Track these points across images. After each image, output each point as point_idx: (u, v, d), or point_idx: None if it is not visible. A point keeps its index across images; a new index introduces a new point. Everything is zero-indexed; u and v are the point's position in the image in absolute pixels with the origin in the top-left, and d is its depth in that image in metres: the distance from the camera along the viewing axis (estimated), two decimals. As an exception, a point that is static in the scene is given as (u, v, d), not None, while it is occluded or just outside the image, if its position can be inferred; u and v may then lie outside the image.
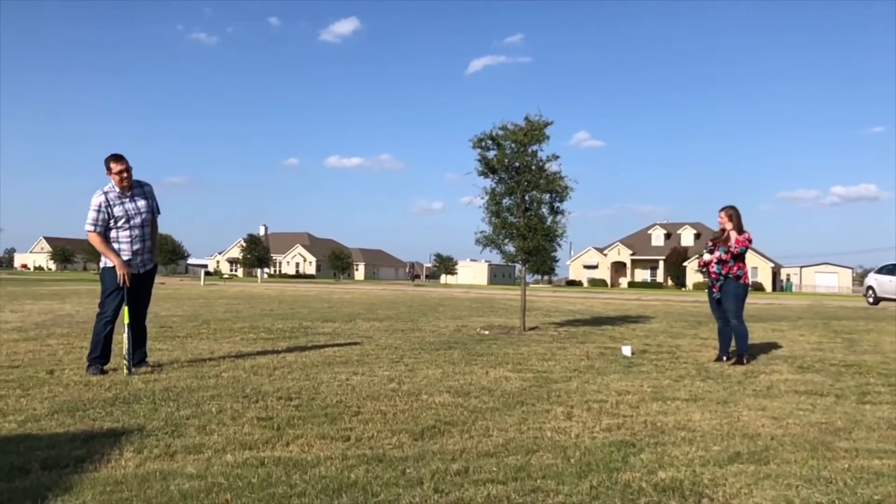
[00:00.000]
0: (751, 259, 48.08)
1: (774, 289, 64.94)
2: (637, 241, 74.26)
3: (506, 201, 9.84)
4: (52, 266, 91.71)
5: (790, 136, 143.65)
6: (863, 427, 3.99)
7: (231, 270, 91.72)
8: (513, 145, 9.69)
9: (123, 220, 5.51)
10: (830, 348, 8.22)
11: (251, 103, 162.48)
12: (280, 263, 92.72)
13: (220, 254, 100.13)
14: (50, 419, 3.78)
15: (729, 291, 6.85)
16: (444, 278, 79.21)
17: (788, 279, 71.56)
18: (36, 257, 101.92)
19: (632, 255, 72.67)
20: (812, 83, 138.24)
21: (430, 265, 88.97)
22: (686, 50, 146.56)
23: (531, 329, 10.14)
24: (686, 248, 66.79)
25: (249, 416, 3.91)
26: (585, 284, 70.71)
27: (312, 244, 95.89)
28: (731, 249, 6.76)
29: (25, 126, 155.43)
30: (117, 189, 5.49)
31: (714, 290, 6.96)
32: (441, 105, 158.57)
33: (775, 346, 8.40)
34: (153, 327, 7.39)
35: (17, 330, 8.57)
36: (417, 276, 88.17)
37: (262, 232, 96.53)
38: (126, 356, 5.37)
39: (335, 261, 78.27)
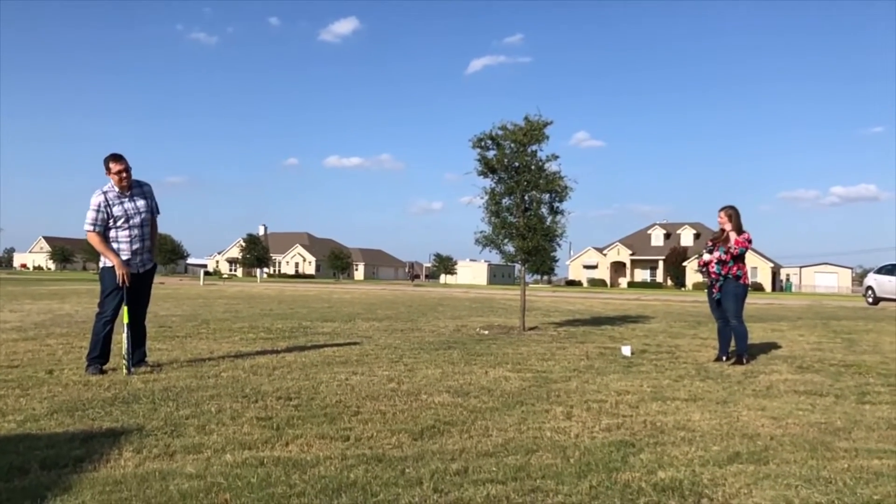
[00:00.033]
0: (750, 259, 48.11)
1: (774, 289, 64.97)
2: (637, 241, 74.28)
3: (505, 201, 9.84)
4: (52, 266, 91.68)
5: (790, 136, 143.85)
6: (862, 427, 3.99)
7: (230, 270, 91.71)
8: (512, 145, 9.69)
9: (123, 219, 5.51)
10: (830, 348, 8.22)
11: (251, 103, 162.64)
12: (279, 263, 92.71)
13: (219, 254, 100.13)
14: (49, 419, 3.78)
15: (729, 291, 6.85)
16: (443, 278, 79.22)
17: (788, 279, 71.60)
18: (35, 257, 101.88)
19: (631, 255, 72.69)
20: (812, 83, 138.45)
21: (429, 265, 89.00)
22: (686, 50, 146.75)
23: (531, 329, 10.14)
24: (686, 248, 66.83)
25: (249, 416, 3.91)
26: (585, 284, 70.72)
27: (312, 244, 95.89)
28: (731, 251, 6.76)
29: (25, 125, 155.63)
30: (116, 189, 5.49)
31: (714, 290, 6.96)
32: (441, 105, 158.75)
33: (775, 346, 8.41)
34: (152, 327, 7.39)
35: (16, 330, 8.57)
36: (417, 276, 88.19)
37: (261, 232, 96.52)
38: (125, 356, 5.37)
39: (335, 261, 78.27)
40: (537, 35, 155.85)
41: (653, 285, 66.97)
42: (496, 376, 5.58)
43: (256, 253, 74.73)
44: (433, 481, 2.81)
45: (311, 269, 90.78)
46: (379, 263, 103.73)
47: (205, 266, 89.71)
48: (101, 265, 5.67)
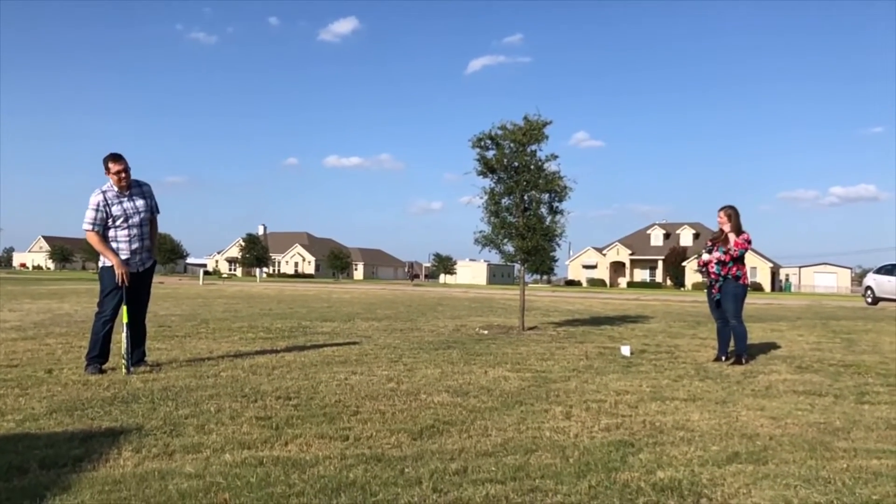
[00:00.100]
0: (750, 259, 48.07)
1: (773, 289, 65.00)
2: (636, 241, 74.30)
3: (505, 201, 9.84)
4: (51, 265, 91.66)
5: (790, 136, 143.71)
6: (861, 427, 3.99)
7: (230, 270, 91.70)
8: (512, 145, 9.69)
9: (122, 219, 5.50)
10: (829, 348, 8.22)
11: (250, 103, 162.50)
12: (279, 263, 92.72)
13: (218, 253, 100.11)
14: (48, 418, 3.78)
15: (728, 292, 6.85)
16: (443, 278, 79.22)
17: (787, 279, 71.62)
18: (34, 256, 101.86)
19: (631, 255, 72.71)
20: (812, 83, 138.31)
21: (429, 265, 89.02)
22: (686, 50, 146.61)
23: (530, 329, 10.14)
24: (685, 248, 66.85)
25: (248, 416, 3.91)
26: (584, 284, 70.74)
27: (311, 244, 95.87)
28: (731, 252, 6.77)
29: (25, 124, 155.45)
30: (116, 188, 5.49)
31: (713, 290, 6.96)
32: (440, 105, 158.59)
33: (774, 346, 8.41)
34: (152, 326, 7.38)
35: (15, 329, 8.57)
36: (416, 276, 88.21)
37: (261, 231, 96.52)
38: (124, 355, 5.37)
39: (334, 260, 78.27)
40: (537, 35, 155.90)
41: (652, 285, 66.99)
42: (495, 376, 5.59)
43: (256, 252, 74.73)
44: (432, 481, 2.81)
45: (310, 269, 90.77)
46: (378, 263, 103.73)
47: (204, 266, 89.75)
48: (100, 265, 5.67)
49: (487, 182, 9.88)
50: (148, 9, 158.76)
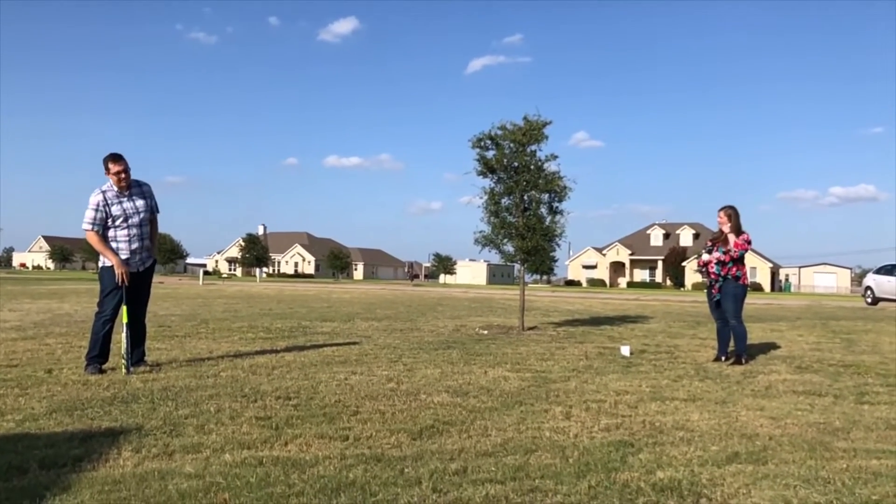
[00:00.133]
0: (749, 259, 48.00)
1: (773, 289, 65.01)
2: (636, 241, 74.31)
3: (504, 201, 9.85)
4: (51, 265, 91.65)
5: (790, 136, 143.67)
6: (861, 427, 3.99)
7: (230, 270, 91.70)
8: (511, 145, 9.69)
9: (121, 219, 5.50)
10: (829, 348, 8.23)
11: (250, 103, 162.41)
12: (279, 263, 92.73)
13: (218, 253, 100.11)
14: (48, 418, 3.78)
15: (728, 292, 6.85)
16: (442, 278, 79.22)
17: (787, 279, 71.64)
18: (34, 256, 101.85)
19: (630, 255, 72.72)
20: (812, 83, 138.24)
21: (428, 265, 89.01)
22: (686, 50, 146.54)
23: (530, 329, 10.15)
24: (685, 249, 66.86)
25: (248, 416, 3.91)
26: (584, 284, 70.74)
27: (311, 244, 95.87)
28: (731, 253, 6.77)
29: (24, 124, 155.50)
30: (115, 188, 5.49)
31: (713, 290, 6.97)
32: (440, 105, 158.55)
33: (774, 346, 8.41)
34: (152, 326, 7.38)
35: (15, 329, 8.57)
36: (416, 276, 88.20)
37: (260, 231, 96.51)
38: (124, 355, 5.37)
39: (334, 260, 78.27)
40: (537, 35, 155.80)
41: (652, 285, 67.00)
42: (495, 376, 5.59)
43: (256, 252, 74.74)
44: (432, 481, 2.81)
45: (310, 269, 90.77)
46: (378, 263, 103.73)
47: (204, 266, 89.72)
48: (100, 264, 5.67)
49: (487, 182, 9.90)
50: (148, 9, 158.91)
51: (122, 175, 5.44)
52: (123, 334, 5.39)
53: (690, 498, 2.72)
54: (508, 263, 11.20)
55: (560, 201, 9.83)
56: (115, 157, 5.42)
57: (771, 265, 66.04)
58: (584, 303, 21.41)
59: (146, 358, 5.78)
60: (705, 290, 7.37)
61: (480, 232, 9.97)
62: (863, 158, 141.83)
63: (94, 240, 5.48)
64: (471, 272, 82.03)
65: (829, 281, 69.31)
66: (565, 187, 9.69)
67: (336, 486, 2.72)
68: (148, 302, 5.87)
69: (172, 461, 3.04)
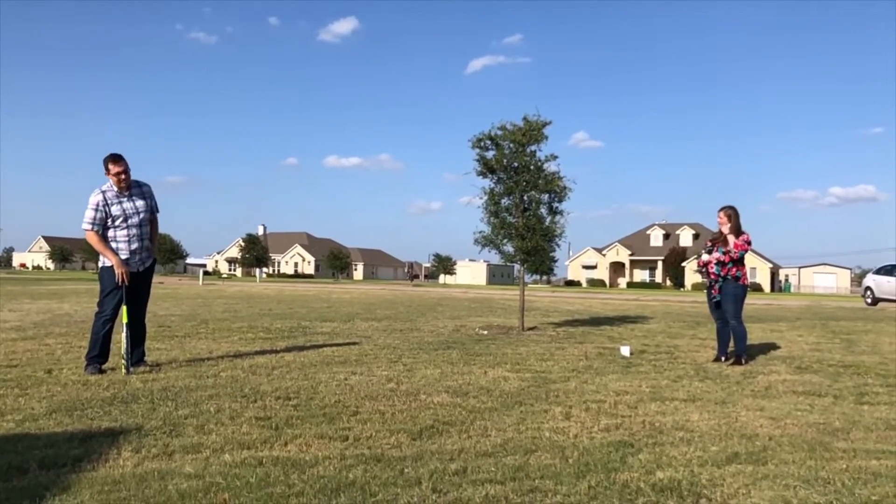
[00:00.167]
0: (749, 260, 48.02)
1: (773, 289, 65.00)
2: (636, 242, 74.31)
3: (504, 201, 9.85)
4: (51, 265, 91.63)
5: (790, 136, 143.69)
6: (861, 428, 3.99)
7: (230, 270, 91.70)
8: (511, 145, 9.69)
9: (121, 219, 5.51)
10: (829, 349, 8.23)
11: (250, 103, 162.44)
12: (279, 263, 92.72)
13: (218, 253, 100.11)
14: (48, 418, 3.78)
15: (728, 292, 6.85)
16: (442, 278, 79.22)
17: (787, 280, 71.64)
18: (34, 256, 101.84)
19: (630, 255, 72.72)
20: (812, 83, 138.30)
21: (428, 265, 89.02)
22: (686, 50, 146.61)
23: (530, 329, 10.15)
24: (685, 249, 66.85)
25: (248, 416, 3.91)
26: (584, 284, 70.74)
27: (311, 244, 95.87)
28: (731, 254, 6.77)
29: (24, 124, 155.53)
30: (115, 189, 5.49)
31: (713, 291, 6.97)
32: (440, 105, 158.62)
33: (774, 346, 8.41)
34: (152, 326, 7.38)
35: (15, 329, 8.57)
36: (416, 276, 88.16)
37: (260, 231, 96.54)
38: (124, 355, 5.37)
39: (334, 260, 78.28)
40: (537, 35, 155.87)
41: (652, 286, 66.98)
42: (495, 376, 5.59)
43: (255, 253, 74.76)
44: (432, 481, 2.81)
45: (310, 269, 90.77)
46: (378, 263, 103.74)
47: (204, 266, 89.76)
48: (100, 265, 5.67)
49: (487, 182, 9.90)
50: (148, 8, 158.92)
51: (123, 176, 5.44)
52: (123, 334, 5.39)
53: (690, 498, 2.72)
54: (508, 264, 11.20)
55: (560, 201, 9.85)
56: (116, 158, 5.42)
57: (771, 265, 66.04)
58: (584, 303, 21.41)
59: (146, 358, 5.78)
60: (705, 291, 7.37)
61: (480, 232, 9.98)
62: (863, 158, 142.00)
63: (93, 240, 5.48)
64: (471, 272, 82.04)
65: (829, 281, 69.33)
66: (565, 187, 9.70)
67: (336, 487, 2.72)
68: (148, 302, 5.87)
69: (172, 461, 3.04)
